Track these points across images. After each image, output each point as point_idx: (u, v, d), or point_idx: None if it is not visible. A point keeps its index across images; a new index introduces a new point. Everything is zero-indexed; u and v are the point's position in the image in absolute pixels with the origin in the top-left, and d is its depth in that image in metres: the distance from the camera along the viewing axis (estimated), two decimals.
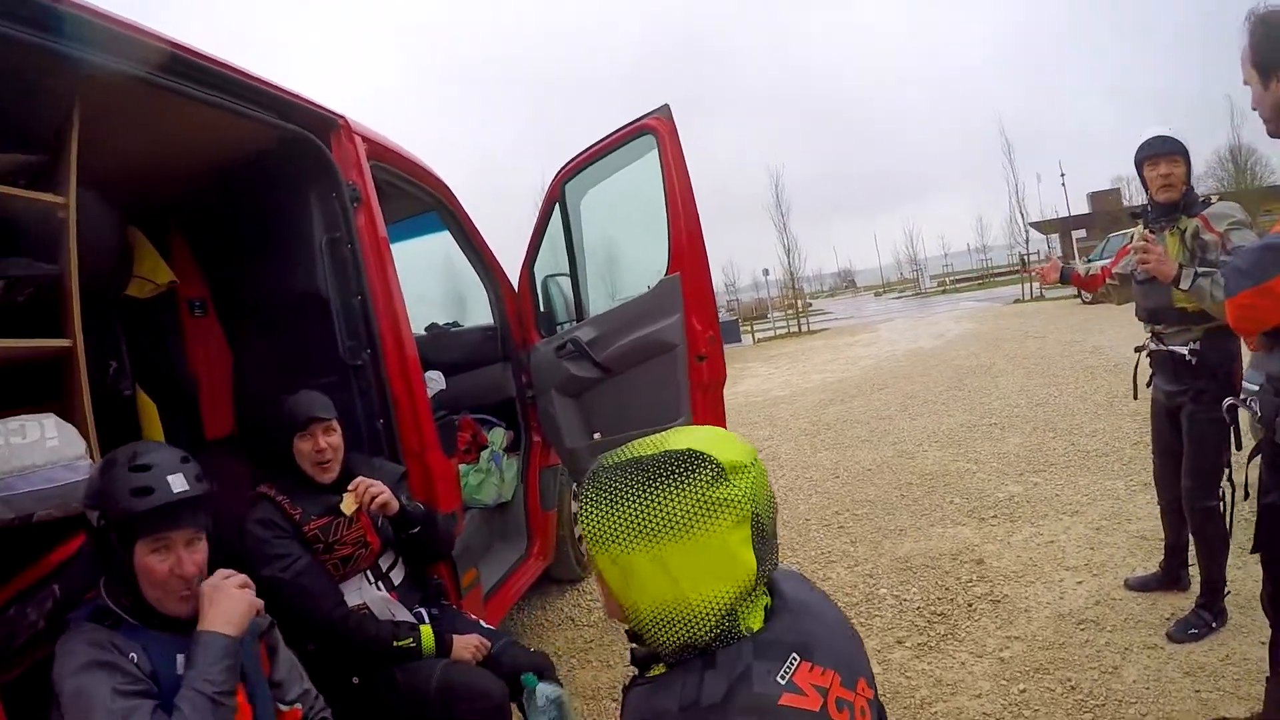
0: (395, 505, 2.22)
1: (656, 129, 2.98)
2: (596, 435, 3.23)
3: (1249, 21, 1.76)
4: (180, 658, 1.44)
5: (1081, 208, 45.08)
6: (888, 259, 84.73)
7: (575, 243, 3.43)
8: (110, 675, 1.34)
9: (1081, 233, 29.76)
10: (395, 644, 2.10)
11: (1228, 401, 2.28)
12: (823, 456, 6.80)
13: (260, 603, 1.57)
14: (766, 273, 37.73)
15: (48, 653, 1.41)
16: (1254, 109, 1.83)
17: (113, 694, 1.32)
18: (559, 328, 3.56)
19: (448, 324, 4.36)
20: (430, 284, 4.77)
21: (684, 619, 0.93)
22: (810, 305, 37.48)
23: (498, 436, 3.72)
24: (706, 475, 0.93)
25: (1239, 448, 2.74)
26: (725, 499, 0.93)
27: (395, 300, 2.66)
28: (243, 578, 1.55)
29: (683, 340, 2.93)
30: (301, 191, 2.62)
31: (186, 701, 1.34)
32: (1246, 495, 2.52)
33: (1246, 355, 2.31)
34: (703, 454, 0.95)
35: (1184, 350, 2.78)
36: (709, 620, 0.93)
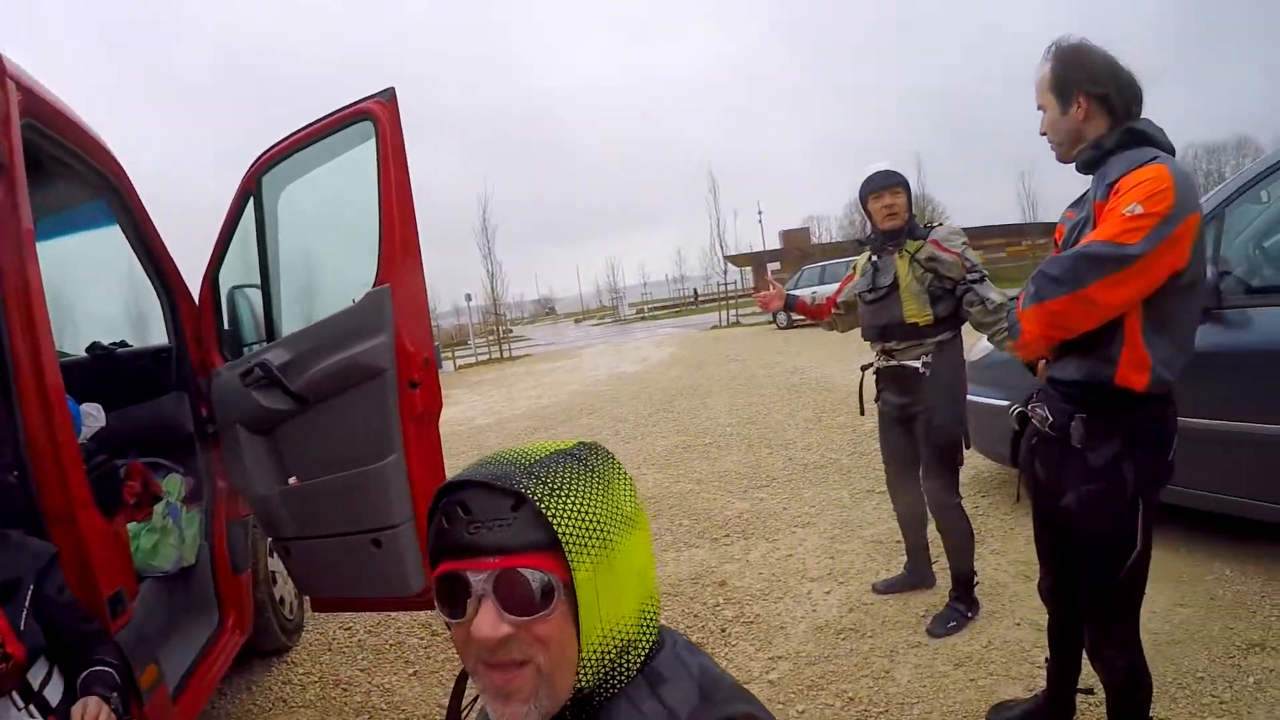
0: None
1: (376, 114, 2.64)
2: (292, 480, 2.80)
3: (1051, 50, 1.92)
4: None
5: (775, 243, 51.24)
6: (589, 287, 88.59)
7: (270, 247, 2.99)
8: None
9: (775, 265, 33.52)
10: None
11: (1016, 408, 2.40)
12: None
13: None
14: (469, 298, 37.54)
15: None
16: (1043, 134, 1.98)
17: None
18: (246, 349, 3.08)
19: (114, 344, 3.54)
20: (98, 292, 3.96)
21: (652, 620, 0.85)
22: (511, 332, 37.75)
23: (174, 485, 3.03)
24: (612, 458, 0.88)
25: (969, 446, 3.11)
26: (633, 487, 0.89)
27: (36, 310, 2.05)
28: None
29: (393, 364, 2.60)
30: None
31: None
32: (1019, 498, 2.68)
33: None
34: (591, 443, 0.89)
35: (916, 364, 3.02)
36: (655, 613, 0.86)
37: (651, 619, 0.85)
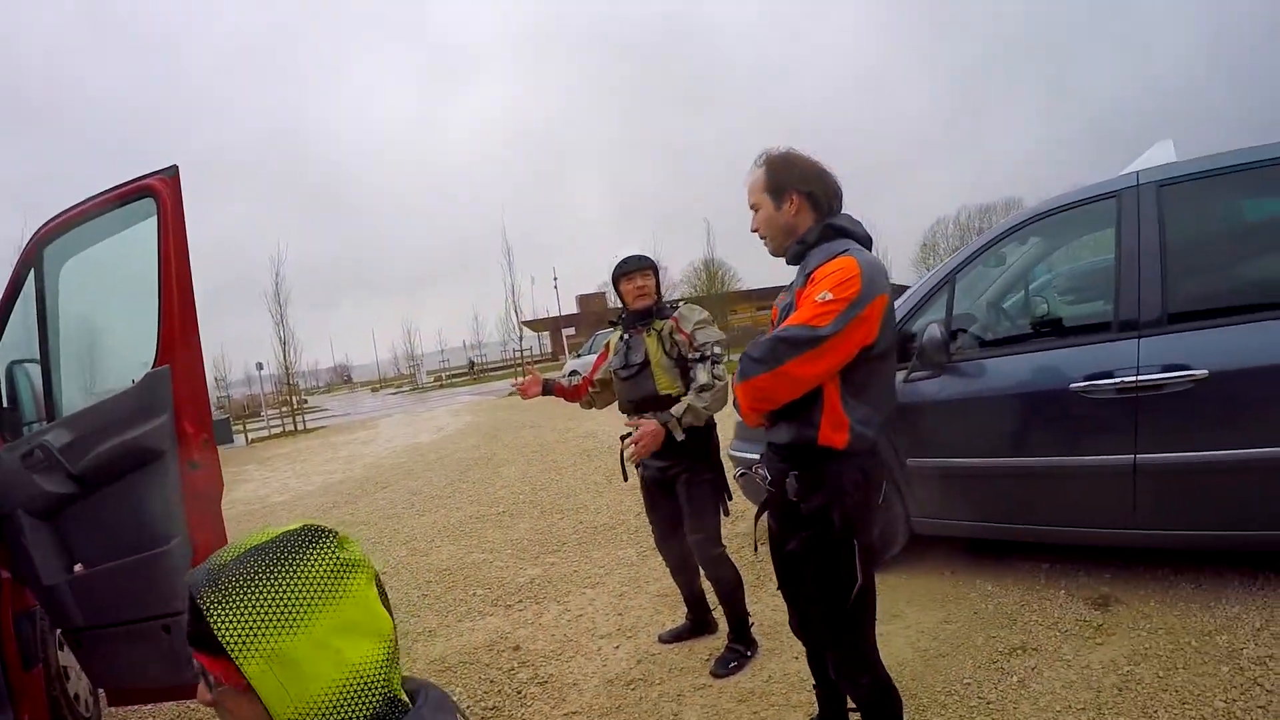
0: None
1: (158, 191, 2.69)
2: (78, 567, 2.70)
3: (763, 157, 2.22)
4: None
5: (571, 308, 52.11)
6: (385, 354, 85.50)
7: (50, 321, 2.88)
8: None
9: (571, 330, 34.21)
10: None
11: (739, 470, 2.71)
12: None
13: None
14: (261, 366, 35.26)
15: None
16: (755, 230, 2.26)
17: None
18: (25, 429, 2.96)
19: None
20: None
21: (358, 689, 0.92)
22: (306, 402, 35.71)
23: None
24: (330, 542, 0.96)
25: (731, 498, 3.41)
26: (354, 560, 0.97)
27: None
28: None
29: (173, 445, 2.63)
30: None
31: None
32: (756, 549, 3.00)
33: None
34: (317, 526, 0.98)
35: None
36: (377, 685, 0.93)
37: (361, 694, 0.92)
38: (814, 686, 2.59)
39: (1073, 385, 3.27)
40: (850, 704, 2.52)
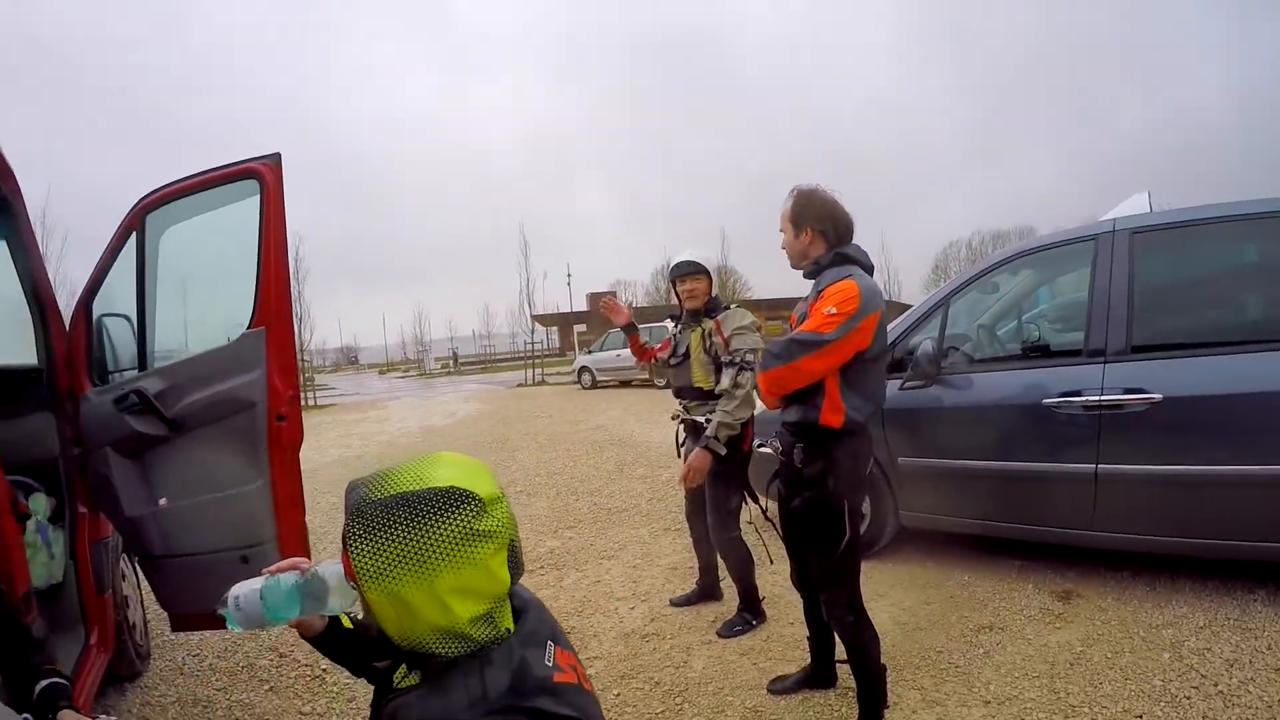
0: None
1: (263, 175, 2.94)
2: (162, 501, 2.96)
3: (793, 191, 2.73)
4: None
5: (582, 305, 52.31)
6: (394, 338, 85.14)
7: (149, 282, 3.13)
8: None
9: (582, 327, 34.27)
10: None
11: (757, 441, 3.19)
12: None
13: None
14: None
15: None
16: (784, 248, 2.78)
17: None
18: (112, 376, 3.18)
19: None
20: None
21: (457, 635, 1.06)
22: (313, 380, 35.99)
23: (40, 504, 3.01)
24: (470, 510, 1.05)
25: (754, 498, 3.74)
26: (487, 530, 1.05)
27: None
28: None
29: (263, 398, 2.87)
30: None
31: None
32: (765, 511, 3.45)
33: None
34: (465, 491, 1.06)
35: (704, 419, 3.61)
36: (477, 630, 1.06)
37: (459, 639, 1.05)
38: (807, 638, 3.07)
39: (1045, 400, 3.71)
40: (838, 656, 2.98)
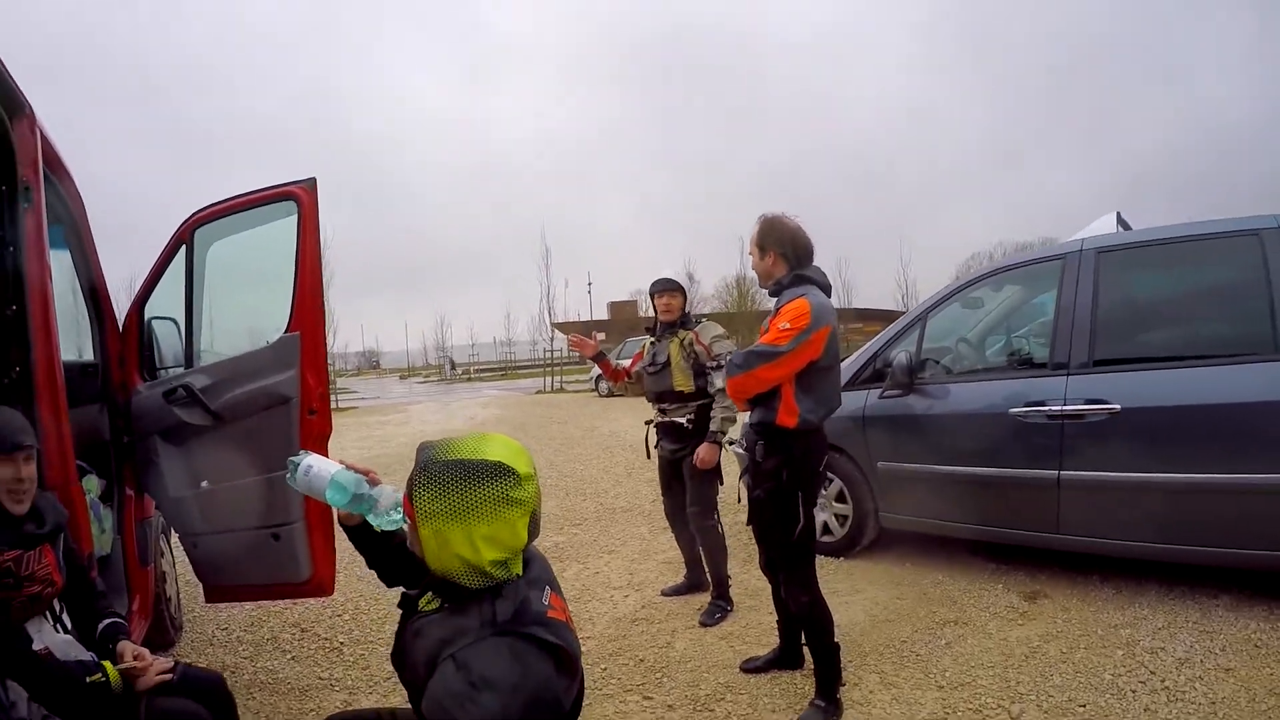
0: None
1: (301, 198, 3.23)
2: (204, 484, 3.25)
3: (761, 217, 3.05)
4: None
5: (603, 314, 52.82)
6: (415, 343, 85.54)
7: (196, 289, 3.44)
8: None
9: (602, 335, 34.63)
10: (88, 679, 1.96)
11: (728, 439, 3.51)
12: None
13: None
14: None
15: None
16: (753, 269, 3.11)
17: None
18: (160, 373, 3.49)
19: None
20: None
21: (479, 571, 1.38)
22: (334, 383, 36.37)
23: (92, 484, 3.33)
24: (510, 481, 1.37)
25: (722, 483, 4.11)
26: (520, 499, 1.38)
27: (51, 319, 2.52)
28: None
29: (297, 394, 3.17)
30: None
31: None
32: (740, 499, 3.73)
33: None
34: (509, 466, 1.38)
35: (683, 420, 4.00)
36: (495, 570, 1.39)
37: (480, 574, 1.37)
38: (777, 621, 3.34)
39: (1012, 410, 3.95)
40: (803, 640, 3.24)
